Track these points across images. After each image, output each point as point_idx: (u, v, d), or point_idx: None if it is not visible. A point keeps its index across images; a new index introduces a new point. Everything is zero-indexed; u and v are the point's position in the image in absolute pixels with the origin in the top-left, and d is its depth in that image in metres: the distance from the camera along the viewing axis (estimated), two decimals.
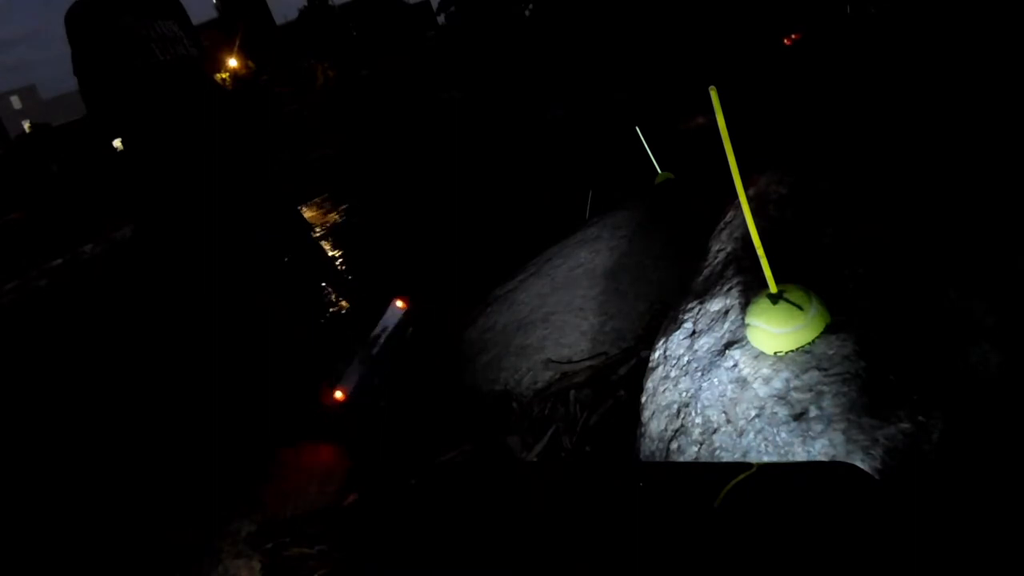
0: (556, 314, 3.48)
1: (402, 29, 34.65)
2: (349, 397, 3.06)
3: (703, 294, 1.88)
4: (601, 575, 1.08)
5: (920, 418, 1.43)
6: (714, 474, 1.25)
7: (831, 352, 1.53)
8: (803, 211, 1.91)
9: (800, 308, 1.52)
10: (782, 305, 1.51)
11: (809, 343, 1.54)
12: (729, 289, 1.77)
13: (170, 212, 2.86)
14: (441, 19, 38.82)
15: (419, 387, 3.55)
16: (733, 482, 1.12)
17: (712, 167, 4.96)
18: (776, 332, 1.52)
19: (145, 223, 3.29)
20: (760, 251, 1.50)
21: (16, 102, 54.74)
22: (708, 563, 1.00)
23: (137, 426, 3.69)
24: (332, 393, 3.03)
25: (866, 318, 1.55)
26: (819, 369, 1.50)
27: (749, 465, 1.27)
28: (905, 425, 1.44)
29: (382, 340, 3.27)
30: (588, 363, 3.06)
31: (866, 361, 1.50)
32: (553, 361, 3.15)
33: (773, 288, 1.54)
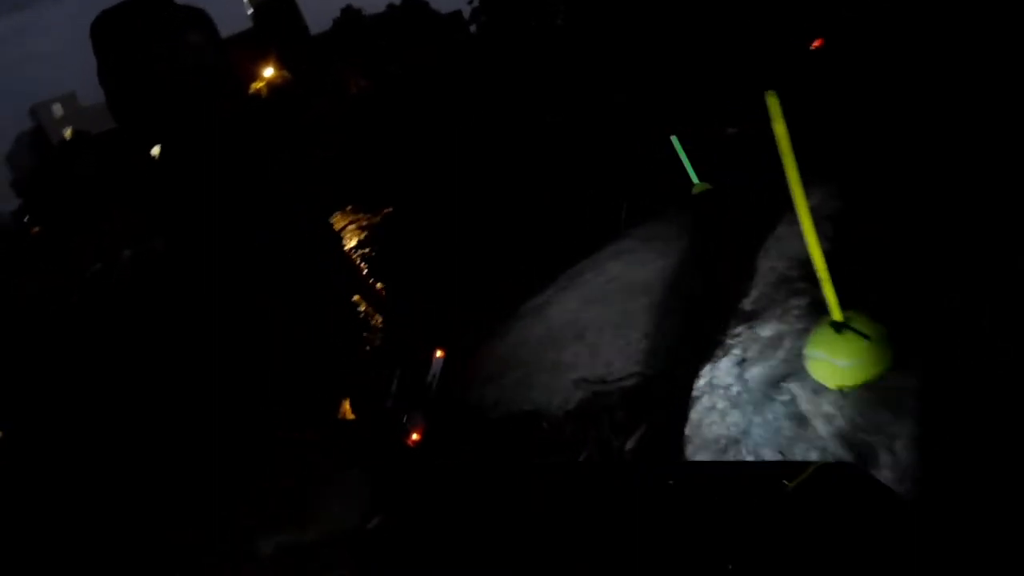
0: (589, 330, 3.33)
1: (433, 38, 34.83)
2: (423, 435, 3.34)
3: (753, 318, 1.73)
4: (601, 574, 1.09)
5: (1001, 465, 1.27)
6: (717, 474, 1.29)
7: (903, 388, 1.37)
8: (864, 228, 1.75)
9: (868, 339, 1.36)
10: (847, 335, 1.36)
11: (877, 378, 1.39)
12: (783, 314, 1.62)
13: (195, 216, 2.82)
14: (472, 29, 38.89)
15: (446, 406, 3.47)
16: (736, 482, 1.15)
17: (752, 178, 4.76)
18: (840, 365, 1.37)
19: (175, 229, 3.27)
20: (824, 275, 1.35)
21: (58, 109, 55.95)
22: (708, 562, 1.00)
23: (144, 428, 3.61)
24: (411, 436, 3.32)
25: (943, 352, 1.39)
26: (889, 408, 1.35)
27: (753, 464, 1.32)
28: (985, 471, 1.28)
29: (434, 386, 3.47)
30: (622, 384, 2.91)
31: (943, 400, 1.35)
32: (586, 380, 3.00)
33: (837, 316, 1.38)
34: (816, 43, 10.46)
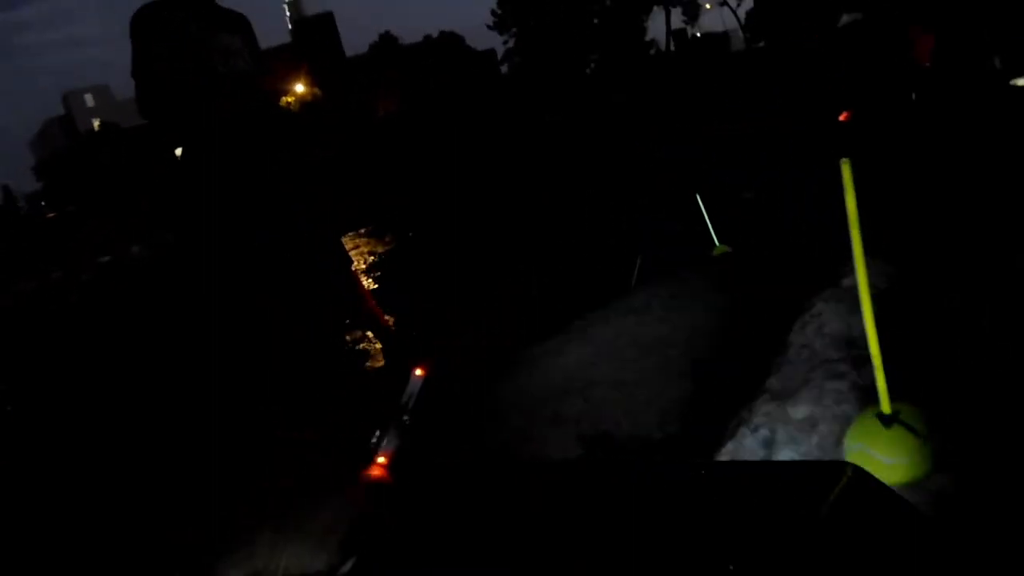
0: (596, 385, 3.21)
1: (467, 72, 35.35)
2: (390, 464, 3.12)
3: (783, 396, 1.61)
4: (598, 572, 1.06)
5: None
6: (719, 474, 1.28)
7: (949, 490, 1.25)
8: (907, 310, 1.64)
9: (917, 436, 1.25)
10: (896, 430, 1.24)
11: (922, 478, 1.27)
12: (819, 396, 1.51)
13: (194, 216, 2.76)
14: (504, 69, 39.60)
15: (425, 432, 3.34)
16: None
17: (775, 244, 4.65)
18: (884, 461, 1.24)
19: (177, 228, 3.22)
20: (878, 360, 1.24)
21: (89, 99, 56.54)
22: (708, 560, 0.98)
23: (143, 427, 3.49)
24: (375, 462, 3.06)
25: (995, 453, 1.27)
26: (931, 510, 1.22)
27: (755, 464, 1.30)
28: None
29: (410, 407, 3.25)
30: (626, 447, 2.77)
31: (988, 506, 1.23)
32: (588, 438, 2.87)
33: (886, 407, 1.27)
34: (843, 116, 10.82)
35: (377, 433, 3.05)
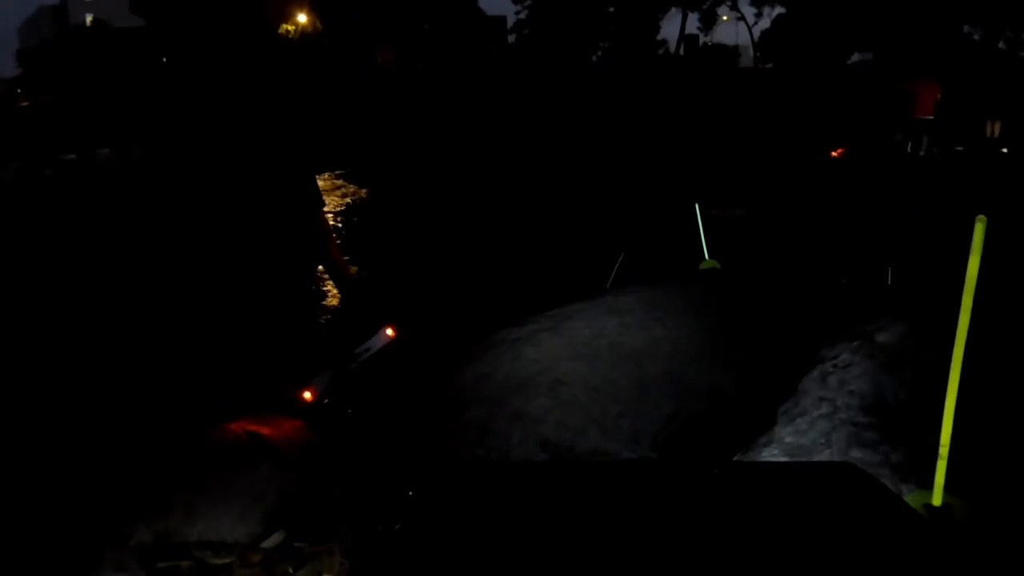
0: (566, 385, 3.00)
1: (473, 36, 34.74)
2: (315, 398, 3.04)
3: (797, 453, 1.42)
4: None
5: None
6: (717, 474, 1.32)
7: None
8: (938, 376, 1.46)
9: (964, 534, 1.07)
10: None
11: None
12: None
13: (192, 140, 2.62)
14: (512, 39, 39.05)
15: (373, 393, 3.16)
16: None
17: (771, 265, 4.47)
18: None
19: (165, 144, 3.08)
20: (944, 451, 1.05)
21: None
22: (711, 559, 1.02)
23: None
24: (302, 392, 2.99)
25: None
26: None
27: (751, 464, 1.41)
28: None
29: (362, 359, 3.12)
30: (592, 459, 2.58)
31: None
32: (551, 443, 2.67)
33: (938, 500, 1.08)
34: (837, 152, 11.28)
35: (318, 370, 3.04)
